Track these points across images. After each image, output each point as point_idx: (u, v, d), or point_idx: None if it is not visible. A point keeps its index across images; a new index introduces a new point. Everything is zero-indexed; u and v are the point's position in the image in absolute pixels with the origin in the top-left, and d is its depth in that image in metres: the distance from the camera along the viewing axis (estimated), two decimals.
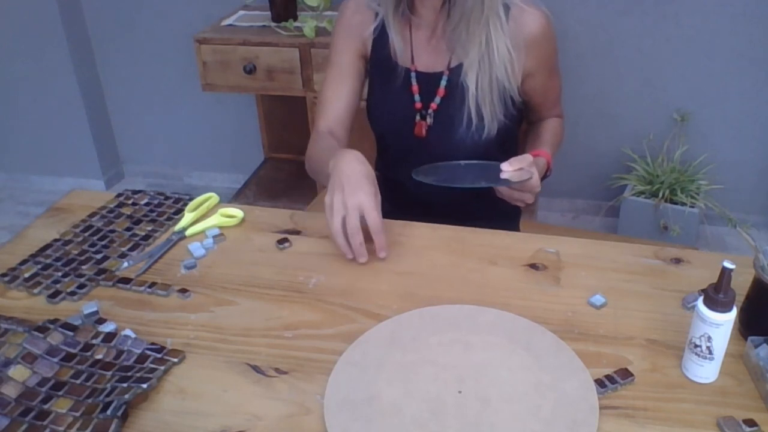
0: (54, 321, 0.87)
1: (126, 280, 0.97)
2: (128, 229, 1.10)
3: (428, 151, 1.22)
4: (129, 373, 0.79)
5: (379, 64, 1.23)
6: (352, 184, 0.96)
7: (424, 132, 1.21)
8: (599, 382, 0.76)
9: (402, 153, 1.27)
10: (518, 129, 1.30)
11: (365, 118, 1.29)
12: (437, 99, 1.19)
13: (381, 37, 1.21)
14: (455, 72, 1.16)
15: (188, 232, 1.09)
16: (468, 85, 1.13)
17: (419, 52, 1.19)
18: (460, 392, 0.75)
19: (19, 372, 0.79)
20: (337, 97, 1.24)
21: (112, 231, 1.09)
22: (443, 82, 1.18)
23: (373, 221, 0.96)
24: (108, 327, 0.87)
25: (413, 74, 1.20)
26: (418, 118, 1.21)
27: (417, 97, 1.20)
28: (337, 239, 0.98)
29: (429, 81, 1.19)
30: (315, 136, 1.23)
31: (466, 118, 1.15)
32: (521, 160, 1.04)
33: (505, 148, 1.24)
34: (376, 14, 1.20)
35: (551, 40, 1.19)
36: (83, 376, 0.79)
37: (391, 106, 1.23)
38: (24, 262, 1.02)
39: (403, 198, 1.30)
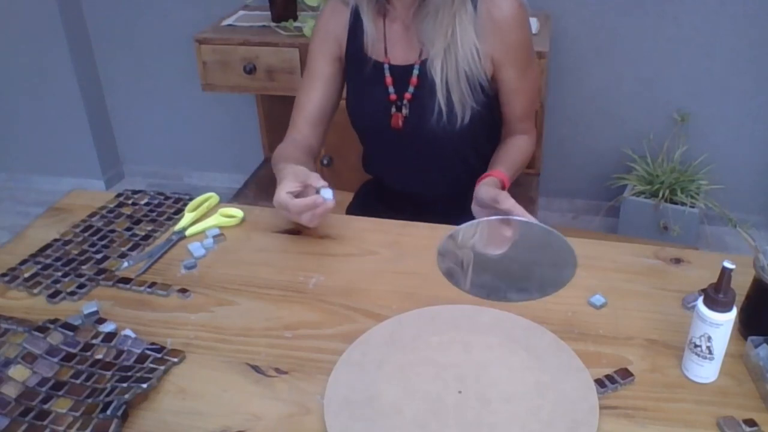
0: (54, 321, 0.87)
1: (126, 280, 0.97)
2: (128, 229, 1.10)
3: (406, 143, 1.22)
4: (129, 373, 0.79)
5: (353, 57, 1.23)
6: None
7: (400, 123, 1.21)
8: (599, 382, 0.76)
9: (381, 147, 1.28)
10: (493, 118, 1.25)
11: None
12: (410, 89, 1.19)
13: (354, 31, 1.22)
14: (425, 63, 1.17)
15: (188, 232, 1.09)
16: (434, 76, 1.14)
17: (393, 44, 1.20)
18: (460, 392, 0.75)
19: (19, 372, 0.79)
20: (309, 101, 1.26)
21: (112, 231, 1.09)
22: (415, 72, 1.18)
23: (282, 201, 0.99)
24: (108, 327, 0.87)
25: (386, 67, 1.20)
26: (393, 110, 1.22)
27: (391, 89, 1.21)
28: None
29: (402, 73, 1.20)
30: (286, 140, 1.25)
31: (437, 108, 1.15)
32: (482, 203, 1.04)
33: (480, 140, 1.23)
34: (351, 11, 1.21)
35: (523, 26, 1.16)
36: (83, 376, 0.79)
37: (365, 99, 1.24)
38: (24, 262, 1.02)
39: (392, 195, 1.30)
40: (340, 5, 1.23)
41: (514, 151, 1.23)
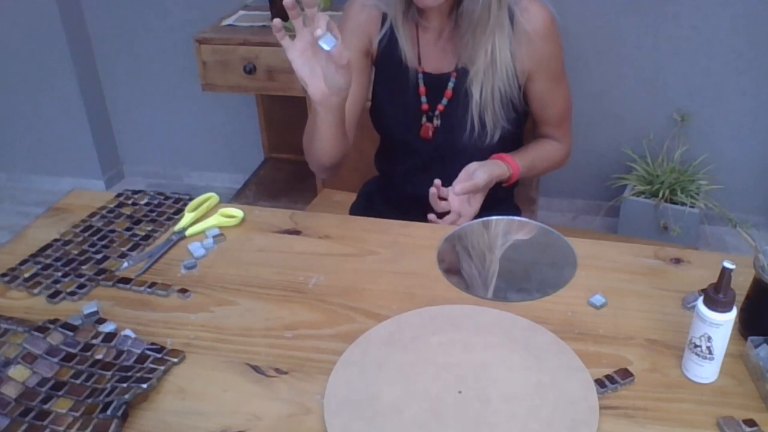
0: (54, 321, 0.87)
1: (126, 280, 0.97)
2: (128, 229, 1.10)
3: (432, 153, 1.21)
4: (129, 373, 0.79)
5: (386, 65, 1.22)
6: None
7: (430, 134, 1.21)
8: (599, 382, 0.76)
9: (406, 154, 1.27)
10: (522, 131, 1.28)
11: (367, 117, 1.29)
12: (444, 101, 1.19)
13: (387, 36, 1.20)
14: (462, 74, 1.16)
15: (188, 232, 1.09)
16: (472, 92, 1.14)
17: (426, 53, 1.19)
18: (460, 392, 0.75)
19: (19, 372, 0.79)
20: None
21: (112, 231, 1.09)
22: (450, 84, 1.18)
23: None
24: (108, 327, 0.87)
25: (420, 76, 1.20)
26: (424, 119, 1.21)
27: (424, 98, 1.20)
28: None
29: (436, 82, 1.19)
30: None
31: (470, 125, 1.15)
32: (466, 182, 1.09)
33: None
34: (384, 14, 1.19)
35: (553, 39, 1.17)
36: (83, 376, 0.79)
37: (397, 107, 1.23)
38: (24, 262, 1.02)
39: (402, 197, 1.30)
40: (369, 4, 1.21)
41: (535, 148, 1.25)
